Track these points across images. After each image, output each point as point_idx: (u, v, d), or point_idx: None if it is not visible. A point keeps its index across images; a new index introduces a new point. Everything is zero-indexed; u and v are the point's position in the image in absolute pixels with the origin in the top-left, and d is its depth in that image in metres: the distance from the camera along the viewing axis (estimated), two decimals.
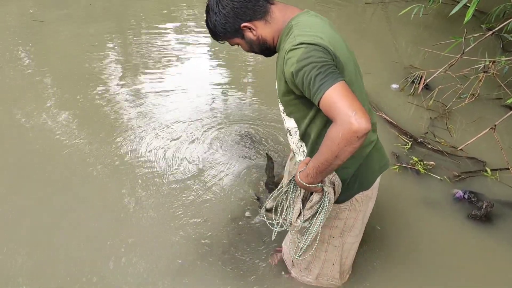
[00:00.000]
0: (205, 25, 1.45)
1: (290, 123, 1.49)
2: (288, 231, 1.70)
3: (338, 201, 1.52)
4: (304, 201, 1.48)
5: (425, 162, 2.72)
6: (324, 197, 1.40)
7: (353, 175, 1.48)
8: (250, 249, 2.13)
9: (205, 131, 2.93)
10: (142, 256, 2.07)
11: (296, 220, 1.48)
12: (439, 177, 2.63)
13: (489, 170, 2.69)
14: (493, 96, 3.47)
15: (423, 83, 3.38)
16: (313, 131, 1.42)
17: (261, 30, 1.39)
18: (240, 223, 2.27)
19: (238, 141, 2.87)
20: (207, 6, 1.40)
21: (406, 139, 2.94)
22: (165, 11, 4.77)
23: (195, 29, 4.41)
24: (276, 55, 1.48)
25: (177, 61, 3.82)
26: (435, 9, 4.51)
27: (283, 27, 1.37)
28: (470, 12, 2.76)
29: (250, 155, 2.75)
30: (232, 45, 1.49)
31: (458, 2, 2.90)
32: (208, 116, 3.09)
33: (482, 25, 4.38)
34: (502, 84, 3.31)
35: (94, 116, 3.01)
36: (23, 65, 3.56)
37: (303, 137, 1.48)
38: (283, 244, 1.98)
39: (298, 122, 1.46)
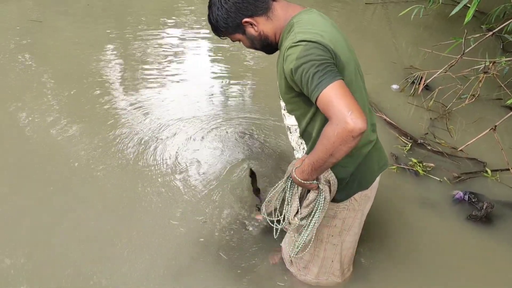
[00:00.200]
0: (207, 21, 1.46)
1: (290, 121, 1.50)
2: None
3: (337, 200, 1.52)
4: (302, 199, 1.48)
5: (424, 164, 2.72)
6: (320, 195, 1.41)
7: (352, 174, 1.49)
8: (250, 248, 2.13)
9: (205, 130, 2.93)
10: (142, 256, 2.07)
11: (293, 217, 1.49)
12: (439, 179, 2.63)
13: (489, 171, 2.69)
14: (493, 97, 3.47)
15: (423, 83, 3.38)
16: (313, 129, 1.43)
17: (263, 26, 1.40)
18: (240, 222, 2.27)
19: (238, 140, 2.87)
20: (210, 1, 1.42)
21: (406, 140, 2.94)
22: (165, 10, 4.77)
23: (195, 29, 4.42)
24: (277, 52, 1.48)
25: (177, 61, 3.82)
26: (435, 9, 4.51)
27: (285, 25, 1.38)
28: (470, 13, 2.77)
29: (250, 155, 2.75)
30: (233, 41, 1.50)
31: (458, 3, 2.90)
32: (208, 115, 3.09)
33: (482, 26, 4.39)
34: (502, 85, 3.31)
35: (93, 115, 3.01)
36: (23, 65, 3.55)
37: (303, 134, 1.48)
38: (282, 244, 1.99)
39: (298, 119, 1.46)
